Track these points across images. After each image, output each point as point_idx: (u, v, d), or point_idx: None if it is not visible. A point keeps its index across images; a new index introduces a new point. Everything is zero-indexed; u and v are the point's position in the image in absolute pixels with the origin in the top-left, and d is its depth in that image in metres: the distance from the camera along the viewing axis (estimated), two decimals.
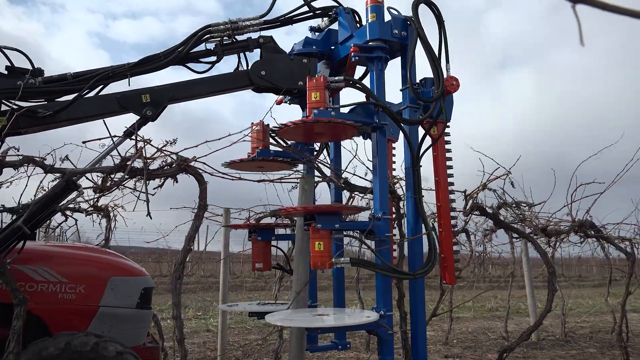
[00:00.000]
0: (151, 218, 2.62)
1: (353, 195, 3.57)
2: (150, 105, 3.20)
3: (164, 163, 3.06)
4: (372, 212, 3.18)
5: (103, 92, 3.29)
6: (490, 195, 5.11)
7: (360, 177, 3.53)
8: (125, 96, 3.20)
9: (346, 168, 3.51)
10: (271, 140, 3.60)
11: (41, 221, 3.14)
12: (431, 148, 3.43)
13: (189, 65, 3.47)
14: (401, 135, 3.42)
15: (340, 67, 3.77)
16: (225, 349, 6.36)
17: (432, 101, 3.25)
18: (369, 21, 3.34)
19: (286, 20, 3.67)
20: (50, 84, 3.12)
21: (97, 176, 2.93)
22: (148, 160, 2.89)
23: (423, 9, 3.44)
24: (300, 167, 3.79)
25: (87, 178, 2.88)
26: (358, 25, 3.67)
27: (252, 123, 3.65)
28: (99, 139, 2.95)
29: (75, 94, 3.15)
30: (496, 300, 13.52)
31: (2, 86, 2.99)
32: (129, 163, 2.77)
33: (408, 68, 3.30)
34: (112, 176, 2.89)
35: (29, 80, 3.05)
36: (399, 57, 3.50)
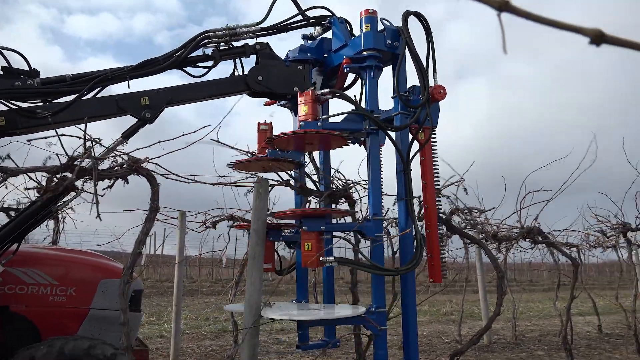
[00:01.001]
0: (101, 220, 2.53)
1: (309, 199, 3.56)
2: (148, 107, 3.23)
3: (114, 163, 2.98)
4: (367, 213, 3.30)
5: (101, 94, 3.31)
6: (444, 201, 5.22)
7: (315, 182, 3.53)
8: (124, 98, 3.22)
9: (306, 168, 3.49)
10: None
11: (37, 222, 3.07)
12: (419, 152, 3.56)
13: (186, 69, 3.54)
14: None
15: (333, 74, 3.92)
16: (178, 355, 6.22)
17: (418, 107, 3.39)
18: (364, 31, 3.49)
19: (281, 28, 3.78)
20: (49, 85, 3.13)
21: (42, 176, 2.82)
22: (97, 161, 2.80)
23: (412, 20, 3.58)
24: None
25: (30, 178, 2.76)
26: (351, 34, 3.80)
27: (259, 122, 3.78)
28: (46, 138, 2.84)
29: (74, 96, 3.14)
30: (451, 304, 13.81)
31: (2, 87, 2.96)
32: (76, 163, 2.68)
33: (396, 76, 3.45)
34: (58, 176, 2.78)
35: (26, 81, 3.04)
36: (391, 66, 3.64)
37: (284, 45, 3.81)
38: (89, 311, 3.31)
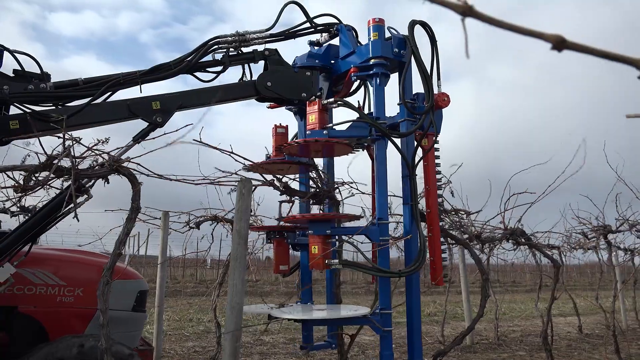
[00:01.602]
0: (78, 220, 2.50)
1: (292, 199, 3.55)
2: (160, 112, 3.28)
3: (94, 163, 2.95)
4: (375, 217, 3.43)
5: (112, 98, 3.35)
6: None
7: (298, 181, 3.53)
8: (135, 102, 3.26)
9: (288, 169, 3.49)
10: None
11: (49, 225, 3.08)
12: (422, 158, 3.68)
13: (196, 74, 3.59)
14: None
15: (339, 80, 4.03)
16: (160, 356, 6.17)
17: (423, 114, 3.50)
18: (371, 39, 3.58)
19: (290, 34, 3.87)
20: (62, 89, 3.15)
21: (20, 174, 2.78)
22: (77, 160, 2.77)
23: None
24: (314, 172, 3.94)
25: (8, 176, 2.72)
26: (356, 41, 3.90)
27: (275, 125, 3.88)
28: (25, 137, 2.83)
29: (87, 99, 3.17)
30: (435, 305, 13.90)
31: (15, 90, 2.97)
32: (55, 162, 2.64)
33: (402, 83, 3.58)
34: (37, 175, 2.74)
35: (39, 85, 3.06)
36: (397, 73, 3.74)
37: (286, 47, 3.91)
38: (96, 311, 3.33)
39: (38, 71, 3.21)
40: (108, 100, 3.31)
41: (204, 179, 3.26)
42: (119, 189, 3.03)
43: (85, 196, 2.86)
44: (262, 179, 3.56)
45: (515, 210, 5.05)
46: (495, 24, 0.53)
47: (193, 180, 3.40)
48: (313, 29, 3.96)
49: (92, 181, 3.10)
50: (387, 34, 3.65)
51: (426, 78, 3.59)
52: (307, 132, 3.39)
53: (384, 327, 3.41)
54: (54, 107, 3.18)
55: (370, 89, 3.89)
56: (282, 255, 4.00)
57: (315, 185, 3.52)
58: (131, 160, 2.97)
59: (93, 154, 2.88)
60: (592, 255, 9.64)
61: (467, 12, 0.53)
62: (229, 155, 3.51)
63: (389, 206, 3.99)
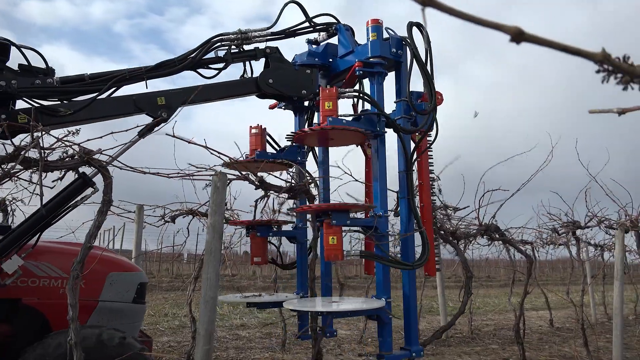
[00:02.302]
0: (45, 213, 2.45)
1: (268, 194, 3.54)
2: (165, 107, 3.36)
3: (64, 155, 2.89)
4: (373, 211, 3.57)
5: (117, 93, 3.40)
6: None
7: (275, 176, 3.51)
8: (141, 98, 3.33)
9: (262, 165, 3.47)
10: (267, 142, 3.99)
11: (56, 217, 3.09)
12: (416, 154, 3.84)
13: (199, 70, 3.66)
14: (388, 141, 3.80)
15: (336, 78, 4.16)
16: None
17: (427, 113, 3.67)
18: (370, 39, 3.71)
19: (290, 33, 3.99)
20: (69, 84, 3.20)
21: None
22: (46, 151, 2.71)
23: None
24: (293, 168, 4.14)
25: None
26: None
27: (251, 126, 4.02)
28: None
29: (93, 95, 3.22)
30: None
31: (22, 85, 3.00)
32: (22, 153, 2.58)
33: (407, 83, 3.72)
34: (4, 167, 2.67)
35: (46, 80, 3.10)
36: (394, 72, 3.89)
37: (281, 44, 4.03)
38: (97, 303, 3.43)
39: (37, 65, 3.21)
40: (114, 95, 3.35)
41: (178, 173, 3.22)
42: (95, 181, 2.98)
43: (92, 189, 2.91)
44: (238, 173, 3.53)
45: (490, 207, 5.13)
46: (454, 14, 0.53)
47: (167, 174, 3.36)
48: (312, 28, 4.09)
49: (63, 173, 3.05)
50: (385, 35, 3.77)
51: (428, 79, 3.72)
52: (329, 119, 3.43)
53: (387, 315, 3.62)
54: (59, 102, 3.20)
55: (367, 86, 4.00)
56: (256, 248, 4.12)
57: (291, 181, 3.51)
58: (102, 152, 2.92)
59: (63, 145, 2.82)
60: (563, 250, 9.88)
61: (426, 2, 0.53)
62: (205, 149, 3.47)
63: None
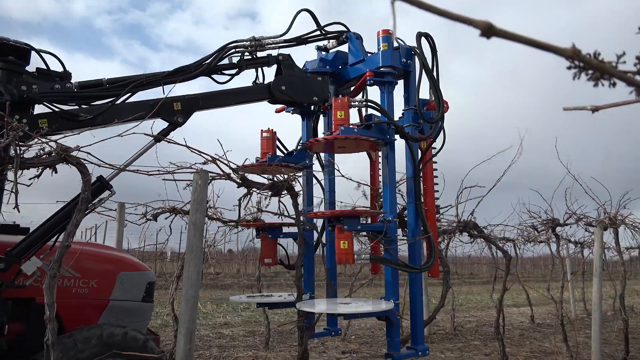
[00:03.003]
0: (19, 212, 2.41)
1: (250, 191, 3.52)
2: (180, 112, 3.44)
3: (41, 151, 2.84)
4: (384, 215, 3.72)
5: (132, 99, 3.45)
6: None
7: (257, 174, 3.50)
8: (157, 103, 3.37)
9: (244, 162, 3.46)
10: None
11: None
12: (422, 161, 3.98)
13: (213, 76, 3.75)
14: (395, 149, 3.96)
15: (345, 85, 4.30)
16: None
17: (435, 122, 3.83)
18: (381, 49, 3.83)
19: (302, 40, 4.10)
20: (87, 89, 3.25)
21: None
22: (22, 148, 2.66)
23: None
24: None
25: None
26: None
27: (262, 130, 4.16)
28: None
29: (110, 99, 3.28)
30: None
31: (42, 89, 3.03)
32: None
33: (417, 92, 3.86)
34: None
35: (65, 85, 3.14)
36: (402, 80, 4.03)
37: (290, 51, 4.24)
38: (109, 302, 3.51)
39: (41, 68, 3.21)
40: (132, 100, 3.41)
41: (158, 171, 3.18)
42: (76, 179, 2.96)
43: (109, 192, 3.03)
44: (220, 171, 3.50)
45: (471, 204, 5.17)
46: (424, 8, 0.53)
47: (147, 172, 3.32)
48: (323, 36, 4.21)
49: (40, 170, 3.01)
50: (395, 44, 3.89)
51: (436, 88, 3.88)
52: (341, 128, 3.56)
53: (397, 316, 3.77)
54: (77, 107, 3.24)
55: (377, 95, 4.08)
56: (266, 249, 4.33)
57: (272, 178, 3.50)
58: (81, 149, 2.88)
59: (40, 142, 2.78)
60: (545, 248, 10.01)
61: None
62: (185, 147, 3.44)
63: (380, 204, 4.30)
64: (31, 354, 3.01)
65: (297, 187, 3.59)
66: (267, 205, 4.24)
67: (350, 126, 3.60)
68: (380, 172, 4.39)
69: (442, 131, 3.93)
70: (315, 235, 4.55)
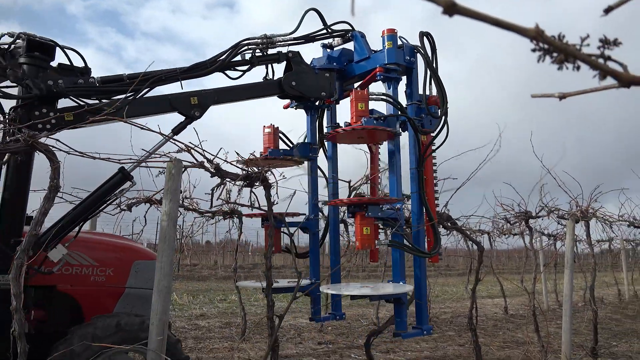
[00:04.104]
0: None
1: (224, 181, 3.48)
2: (197, 107, 3.59)
3: (8, 138, 2.77)
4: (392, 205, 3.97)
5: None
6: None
7: (231, 164, 3.46)
8: (176, 98, 3.55)
9: (218, 153, 3.42)
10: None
11: (97, 209, 3.32)
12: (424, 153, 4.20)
13: (226, 72, 3.90)
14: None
15: (349, 81, 4.53)
16: None
17: (440, 117, 4.09)
18: (386, 47, 4.04)
19: (309, 38, 4.29)
20: (109, 84, 3.37)
21: None
22: None
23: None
24: (305, 164, 4.67)
25: None
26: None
27: (264, 126, 4.41)
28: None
29: (131, 94, 3.40)
30: None
31: (67, 84, 3.14)
32: None
33: (424, 88, 4.11)
34: None
35: (88, 79, 3.26)
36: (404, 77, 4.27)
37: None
38: (124, 290, 3.65)
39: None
40: (151, 95, 3.56)
41: (130, 159, 3.12)
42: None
43: (130, 183, 3.19)
44: (194, 160, 3.45)
45: (444, 196, 5.20)
46: None
47: (118, 160, 3.26)
48: (329, 34, 4.40)
49: (7, 157, 2.93)
50: (398, 42, 4.11)
51: (440, 85, 4.08)
52: (363, 119, 3.77)
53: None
54: (97, 101, 3.37)
55: (382, 90, 4.27)
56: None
57: (247, 169, 3.46)
58: (49, 136, 2.81)
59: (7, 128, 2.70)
60: (519, 240, 10.17)
61: None
62: (159, 134, 3.37)
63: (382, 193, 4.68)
64: (53, 341, 3.08)
65: (272, 179, 3.54)
66: (238, 195, 4.27)
67: (371, 118, 3.84)
68: (381, 163, 4.78)
69: (446, 125, 4.13)
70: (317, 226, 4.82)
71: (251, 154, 4.30)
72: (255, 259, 24.98)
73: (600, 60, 0.60)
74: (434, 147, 4.30)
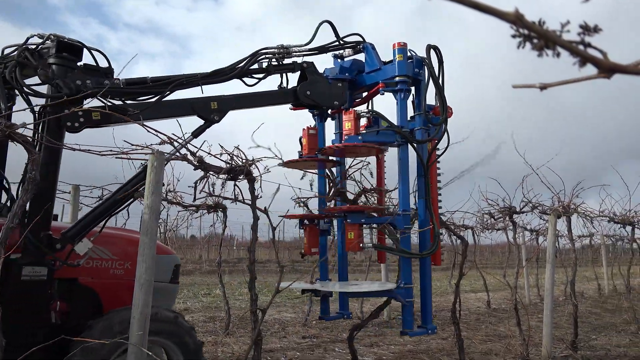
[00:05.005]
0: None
1: (208, 175, 3.45)
2: (217, 111, 3.70)
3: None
4: (397, 209, 4.19)
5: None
6: (351, 184, 5.39)
7: (215, 157, 3.43)
8: (197, 102, 3.68)
9: (201, 145, 3.39)
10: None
11: (120, 206, 3.44)
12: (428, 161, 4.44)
13: (244, 79, 4.05)
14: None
15: (359, 90, 4.74)
16: None
17: (440, 125, 4.28)
18: (397, 60, 4.25)
19: (323, 49, 4.48)
20: (133, 85, 3.49)
21: None
22: None
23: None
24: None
25: None
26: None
27: (308, 127, 4.60)
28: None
29: (151, 96, 3.55)
30: None
31: (95, 85, 3.24)
32: None
33: (423, 99, 4.30)
34: None
35: (113, 81, 3.36)
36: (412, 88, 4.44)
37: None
38: None
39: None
40: (173, 98, 3.67)
41: (111, 150, 3.07)
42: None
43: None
44: (177, 153, 3.41)
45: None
46: None
47: (99, 152, 3.20)
48: (340, 46, 4.59)
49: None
50: (408, 54, 4.30)
51: (442, 96, 4.30)
52: (345, 137, 4.08)
53: (407, 298, 4.19)
54: (131, 102, 3.50)
55: (387, 99, 4.50)
56: (312, 239, 4.70)
57: (231, 162, 3.43)
58: (26, 126, 2.75)
59: None
60: (502, 235, 10.29)
61: None
62: (142, 126, 3.32)
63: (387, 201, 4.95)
64: (75, 333, 3.16)
65: (255, 173, 3.52)
66: (222, 189, 4.25)
67: (359, 135, 4.12)
68: (386, 172, 4.98)
69: (446, 133, 4.35)
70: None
71: (236, 147, 4.28)
72: (240, 253, 24.92)
73: (581, 47, 0.59)
74: (437, 154, 4.54)
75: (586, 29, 0.59)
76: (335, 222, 5.06)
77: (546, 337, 5.89)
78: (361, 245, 4.14)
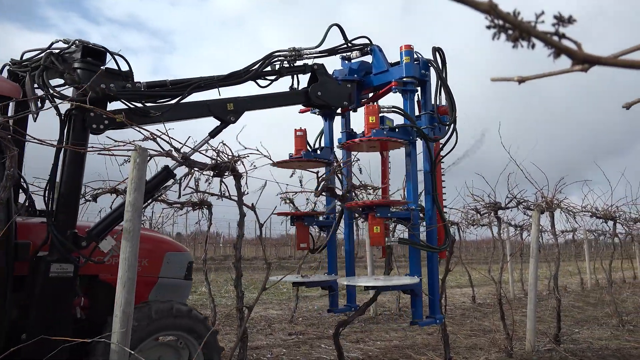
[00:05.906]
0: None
1: (192, 171, 3.42)
2: (233, 112, 3.81)
3: None
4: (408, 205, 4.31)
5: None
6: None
7: (202, 153, 3.40)
8: (214, 104, 3.78)
9: (186, 141, 3.36)
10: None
11: (145, 203, 3.47)
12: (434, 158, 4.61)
13: (257, 81, 4.14)
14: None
15: (366, 91, 4.86)
16: None
17: (449, 125, 4.45)
18: (404, 62, 4.40)
19: (332, 51, 4.61)
20: (154, 88, 3.57)
21: None
22: None
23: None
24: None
25: None
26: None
27: (296, 129, 4.74)
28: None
29: (169, 98, 3.62)
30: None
31: (118, 88, 3.34)
32: None
33: (435, 99, 4.48)
34: None
35: (135, 84, 3.45)
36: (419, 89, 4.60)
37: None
38: (157, 279, 3.93)
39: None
40: (190, 100, 3.75)
41: (92, 146, 3.03)
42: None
43: (172, 180, 3.47)
44: (160, 149, 3.37)
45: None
46: None
47: (82, 148, 3.16)
48: (349, 48, 4.73)
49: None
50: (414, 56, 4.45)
51: (450, 96, 4.45)
52: (373, 131, 4.16)
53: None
54: (151, 104, 3.57)
55: (392, 99, 4.63)
56: (302, 235, 4.83)
57: (217, 158, 3.41)
58: (7, 124, 2.71)
59: None
60: (487, 231, 10.37)
61: None
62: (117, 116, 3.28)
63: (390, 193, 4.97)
64: (96, 328, 3.29)
65: (241, 169, 3.50)
66: (208, 186, 4.23)
67: (382, 129, 4.21)
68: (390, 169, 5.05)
69: (454, 132, 4.48)
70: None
71: (222, 142, 4.27)
72: (226, 251, 24.82)
73: (555, 38, 0.59)
74: (443, 154, 4.65)
75: (560, 20, 0.59)
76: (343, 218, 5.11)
77: (530, 331, 5.96)
78: (387, 239, 4.26)
